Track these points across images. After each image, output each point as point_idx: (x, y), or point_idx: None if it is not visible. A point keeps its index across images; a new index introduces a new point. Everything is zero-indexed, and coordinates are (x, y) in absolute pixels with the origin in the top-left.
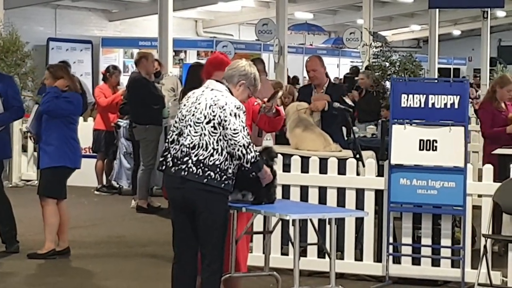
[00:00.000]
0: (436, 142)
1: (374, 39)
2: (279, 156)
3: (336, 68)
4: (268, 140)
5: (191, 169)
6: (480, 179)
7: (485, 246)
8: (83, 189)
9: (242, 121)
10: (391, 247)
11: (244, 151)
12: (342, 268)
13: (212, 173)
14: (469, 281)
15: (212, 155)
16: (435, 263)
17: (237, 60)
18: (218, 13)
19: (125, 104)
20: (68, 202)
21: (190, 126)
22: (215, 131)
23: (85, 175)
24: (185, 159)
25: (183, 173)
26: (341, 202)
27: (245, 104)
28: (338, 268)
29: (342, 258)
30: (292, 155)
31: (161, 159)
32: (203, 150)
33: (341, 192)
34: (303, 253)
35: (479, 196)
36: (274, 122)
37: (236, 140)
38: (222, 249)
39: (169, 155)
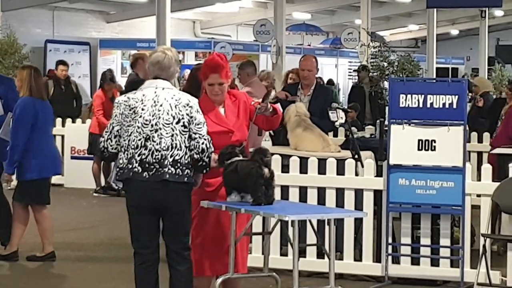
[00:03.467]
0: (435, 142)
1: (372, 39)
2: (278, 157)
3: (334, 68)
4: (267, 141)
5: (170, 171)
6: (479, 178)
7: (484, 246)
8: (82, 191)
9: (202, 115)
10: (390, 247)
11: (208, 144)
12: (342, 268)
13: (188, 171)
14: (468, 280)
15: (186, 153)
16: (434, 263)
17: (158, 55)
18: (216, 14)
19: None
20: (67, 204)
21: (160, 129)
22: (185, 129)
23: (84, 177)
24: (162, 162)
25: (164, 176)
26: (340, 203)
27: (241, 103)
28: (337, 268)
29: (341, 259)
30: (291, 155)
31: (120, 167)
32: (178, 150)
33: (340, 192)
34: (302, 253)
35: (478, 195)
36: (272, 121)
37: (201, 134)
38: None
39: (134, 162)
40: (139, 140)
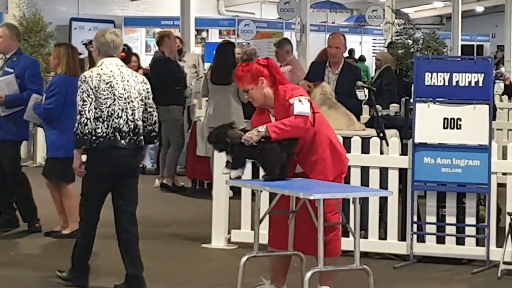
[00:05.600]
0: (460, 120)
1: (396, 17)
2: None
3: (359, 45)
4: None
5: (139, 139)
6: (505, 157)
7: (510, 224)
8: None
9: None
10: (415, 225)
11: (156, 114)
12: (366, 247)
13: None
14: (494, 259)
15: (142, 124)
16: (460, 241)
17: (111, 36)
18: None
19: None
20: None
21: (132, 102)
22: (142, 103)
23: None
24: (136, 131)
25: (139, 143)
26: (364, 181)
27: (280, 102)
28: (362, 247)
29: (366, 237)
30: None
31: (98, 135)
32: (141, 121)
33: (364, 171)
34: None
35: (504, 174)
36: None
37: (154, 107)
38: None
39: (113, 130)
40: (117, 111)
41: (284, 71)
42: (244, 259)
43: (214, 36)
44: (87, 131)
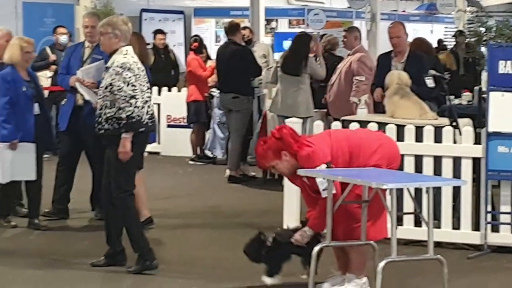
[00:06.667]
0: None
1: (468, 4)
2: (374, 124)
3: (430, 34)
4: (363, 109)
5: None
6: None
7: None
8: (178, 159)
9: None
10: (489, 215)
11: None
12: (440, 237)
13: None
14: None
15: None
16: None
17: (128, 26)
18: None
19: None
20: (163, 172)
21: (149, 89)
22: None
23: (180, 145)
24: (153, 119)
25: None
26: (437, 171)
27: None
28: (435, 237)
29: (439, 227)
30: (387, 123)
31: (141, 120)
32: None
33: (437, 160)
34: (399, 222)
35: None
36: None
37: None
38: None
39: (146, 114)
40: (148, 97)
41: (353, 60)
42: (316, 248)
43: (283, 26)
44: (142, 114)
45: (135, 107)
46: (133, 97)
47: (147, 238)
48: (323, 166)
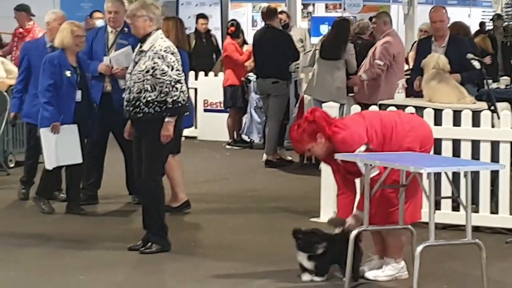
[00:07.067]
0: None
1: None
2: (411, 108)
3: (467, 18)
4: (400, 93)
5: None
6: None
7: None
8: (215, 144)
9: None
10: None
11: None
12: (477, 221)
13: None
14: None
15: None
16: None
17: (159, 7)
18: None
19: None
20: (200, 157)
21: None
22: None
23: (216, 129)
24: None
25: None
26: (475, 155)
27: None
28: (473, 221)
29: (477, 211)
30: (425, 107)
31: (184, 103)
32: None
33: (475, 144)
34: (437, 206)
35: None
36: None
37: None
38: None
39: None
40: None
41: (378, 44)
42: (354, 232)
43: (320, 10)
44: (186, 99)
45: (181, 91)
46: (178, 81)
47: (167, 226)
48: (363, 147)
